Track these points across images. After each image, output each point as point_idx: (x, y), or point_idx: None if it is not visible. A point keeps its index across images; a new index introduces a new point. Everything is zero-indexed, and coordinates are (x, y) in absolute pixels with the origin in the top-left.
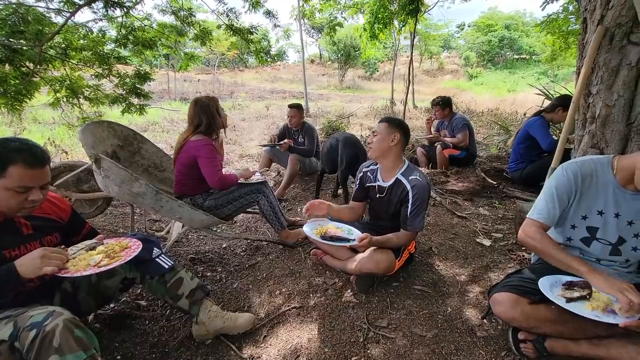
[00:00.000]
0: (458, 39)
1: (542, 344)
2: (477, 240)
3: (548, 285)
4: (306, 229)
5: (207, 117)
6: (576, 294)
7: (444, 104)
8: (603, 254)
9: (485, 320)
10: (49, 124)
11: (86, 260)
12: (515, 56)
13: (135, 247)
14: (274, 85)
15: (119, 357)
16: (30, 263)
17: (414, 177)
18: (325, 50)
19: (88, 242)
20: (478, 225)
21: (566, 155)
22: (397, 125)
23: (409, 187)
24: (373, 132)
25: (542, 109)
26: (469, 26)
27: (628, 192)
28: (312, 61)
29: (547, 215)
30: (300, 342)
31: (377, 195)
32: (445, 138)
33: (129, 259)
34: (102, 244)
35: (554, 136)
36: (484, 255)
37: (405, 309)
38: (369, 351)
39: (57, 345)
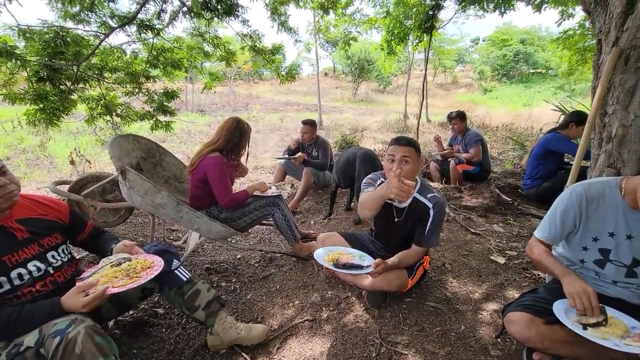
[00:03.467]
0: (472, 53)
1: None
2: (491, 257)
3: (563, 310)
4: (317, 256)
5: (239, 139)
6: (592, 320)
7: (462, 117)
8: (618, 276)
9: (499, 340)
10: (73, 134)
11: (107, 277)
12: (531, 70)
13: (156, 267)
14: (288, 98)
15: None
16: (76, 305)
17: (432, 194)
18: (339, 63)
19: (119, 256)
20: (492, 242)
21: (582, 174)
22: (418, 148)
23: (430, 205)
24: (404, 158)
25: (556, 125)
26: (483, 40)
27: (639, 214)
28: (326, 74)
29: (549, 235)
30: (312, 355)
31: (395, 219)
32: (459, 153)
33: (144, 281)
34: (130, 259)
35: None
36: (498, 273)
37: (418, 326)
38: None
39: (79, 352)
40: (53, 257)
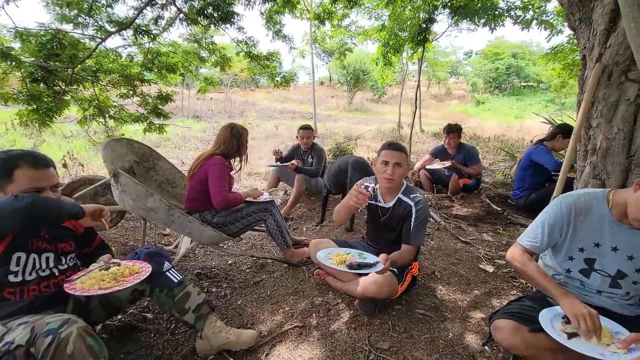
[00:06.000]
0: (465, 65)
1: None
2: (480, 266)
3: (549, 319)
4: (320, 257)
5: (237, 144)
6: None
7: (460, 132)
8: (603, 286)
9: (486, 347)
10: (66, 137)
11: (95, 279)
12: (523, 84)
13: (144, 272)
14: (284, 106)
15: None
16: (92, 205)
17: (415, 194)
18: (335, 73)
19: (107, 260)
20: (481, 251)
21: (568, 185)
22: (407, 153)
23: (412, 204)
24: (397, 164)
25: (543, 137)
26: (476, 54)
27: (625, 227)
28: (322, 83)
29: (535, 243)
30: None
31: (381, 218)
32: (463, 167)
33: (130, 284)
34: (119, 264)
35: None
36: (486, 281)
37: (407, 333)
38: None
39: (70, 352)
40: (63, 259)
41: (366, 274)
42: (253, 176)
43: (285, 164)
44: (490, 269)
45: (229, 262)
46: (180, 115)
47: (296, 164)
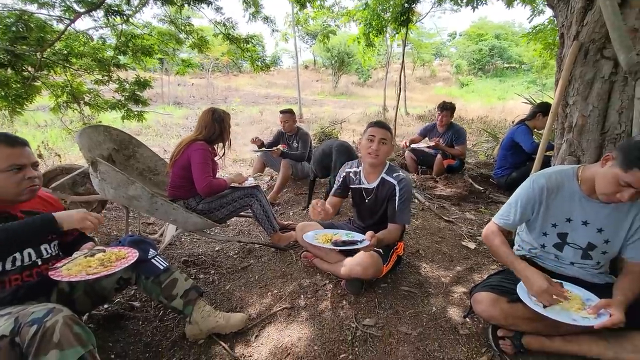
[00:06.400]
0: (449, 47)
1: (519, 340)
2: (463, 243)
3: (525, 291)
4: (308, 238)
5: (220, 128)
6: None
7: (453, 110)
8: (575, 258)
9: (467, 319)
10: (41, 127)
11: (81, 266)
12: (506, 65)
13: (131, 257)
14: (268, 91)
15: (112, 356)
16: (70, 214)
17: (397, 173)
18: (320, 56)
19: (90, 248)
20: (464, 229)
21: (546, 163)
22: (392, 131)
23: (395, 182)
24: (382, 140)
25: (525, 117)
26: (460, 35)
27: (594, 202)
28: (306, 67)
29: (507, 220)
30: (290, 341)
31: (365, 199)
32: (446, 147)
33: (118, 269)
34: (104, 250)
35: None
36: (468, 257)
37: (392, 309)
38: (356, 349)
39: (57, 340)
40: (45, 249)
41: (352, 252)
42: (238, 162)
43: (271, 149)
44: (472, 245)
45: (216, 248)
46: (160, 102)
47: (282, 148)
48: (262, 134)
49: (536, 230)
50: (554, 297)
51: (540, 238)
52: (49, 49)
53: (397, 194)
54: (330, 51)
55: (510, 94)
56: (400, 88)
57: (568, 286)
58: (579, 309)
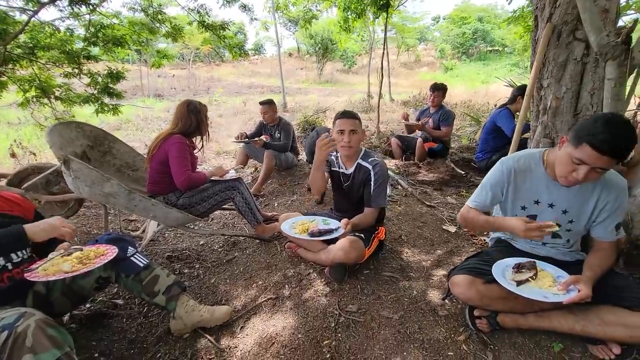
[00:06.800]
0: (433, 31)
1: (494, 319)
2: (444, 227)
3: (500, 272)
4: (285, 229)
5: (196, 120)
6: (524, 277)
7: (444, 91)
8: (546, 238)
9: (446, 301)
10: (14, 125)
11: (58, 265)
12: (489, 48)
13: (110, 253)
14: (252, 80)
15: (96, 354)
16: (42, 227)
17: (372, 159)
18: (303, 43)
19: (67, 248)
20: (445, 213)
21: (523, 146)
22: (360, 119)
23: (370, 167)
24: (352, 131)
25: (507, 100)
26: (443, 19)
27: (559, 185)
28: (290, 55)
29: (479, 202)
30: (275, 331)
31: (344, 185)
32: (429, 128)
33: (96, 266)
34: (82, 249)
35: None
36: (449, 241)
37: (375, 294)
38: (339, 335)
39: (30, 345)
40: (15, 253)
41: (328, 240)
42: (222, 155)
43: (253, 139)
44: (452, 229)
45: (201, 242)
46: (140, 94)
47: (264, 139)
48: (246, 125)
49: (508, 212)
50: (538, 231)
51: None
52: (12, 42)
53: (372, 178)
54: (313, 38)
55: (494, 78)
56: (382, 75)
57: (541, 265)
58: (550, 286)
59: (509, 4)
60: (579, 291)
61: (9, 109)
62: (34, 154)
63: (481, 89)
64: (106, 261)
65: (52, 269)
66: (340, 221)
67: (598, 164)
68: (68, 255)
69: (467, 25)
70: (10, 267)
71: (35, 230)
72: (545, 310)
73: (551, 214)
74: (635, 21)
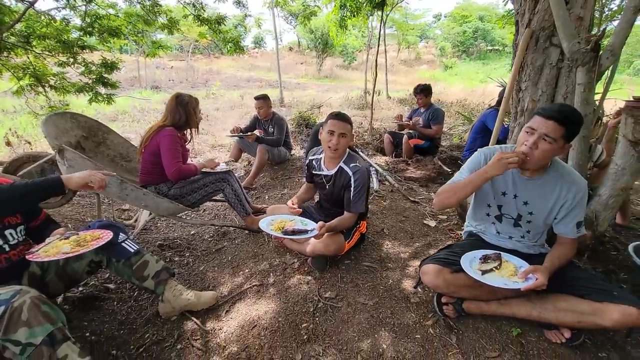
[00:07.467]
0: (434, 29)
1: (460, 305)
2: (425, 222)
3: (468, 262)
4: (262, 225)
5: (185, 113)
6: (489, 266)
7: (427, 92)
8: (510, 229)
9: (418, 289)
10: (9, 113)
11: (57, 247)
12: (489, 47)
13: (105, 237)
14: (251, 74)
15: (87, 334)
16: (77, 175)
17: (354, 164)
18: (303, 38)
19: (64, 233)
20: (427, 208)
21: (502, 143)
22: (352, 123)
23: (350, 173)
24: (342, 134)
25: (496, 102)
26: (445, 16)
27: (523, 178)
28: (291, 49)
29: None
30: (257, 315)
31: (326, 186)
32: (419, 127)
33: (93, 248)
34: (77, 234)
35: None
36: (428, 234)
37: (353, 283)
38: (317, 319)
39: (25, 319)
40: (11, 234)
41: (302, 239)
42: (217, 148)
43: (247, 134)
44: (432, 223)
45: (192, 232)
46: (137, 86)
47: (258, 134)
48: (242, 119)
49: (481, 201)
50: (508, 163)
51: (485, 208)
52: (6, 32)
53: (352, 185)
54: (313, 33)
55: (492, 77)
56: (376, 72)
57: (506, 256)
58: (511, 275)
59: (505, 4)
60: (536, 279)
61: (4, 97)
62: (29, 143)
63: (478, 88)
64: (102, 243)
65: (52, 250)
66: (325, 219)
67: (544, 129)
68: (65, 239)
69: (468, 24)
70: (7, 248)
71: (71, 178)
72: (507, 298)
73: (515, 205)
74: (604, 30)
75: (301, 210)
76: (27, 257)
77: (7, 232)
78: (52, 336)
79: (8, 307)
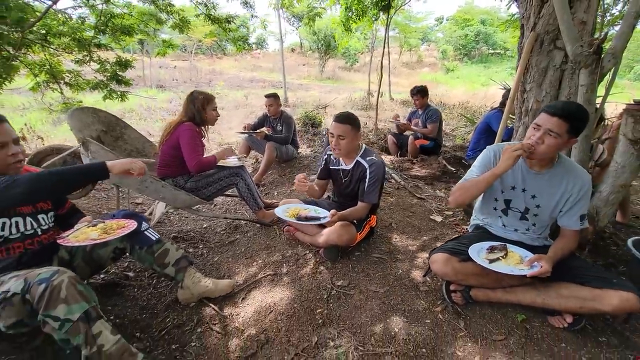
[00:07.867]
0: (437, 32)
1: (468, 293)
2: (431, 217)
3: (476, 252)
4: (278, 212)
5: (195, 109)
6: (496, 256)
7: (423, 93)
8: (516, 222)
9: (427, 278)
10: (19, 110)
11: (86, 234)
12: (491, 51)
13: (130, 226)
14: (254, 74)
15: (112, 317)
16: (120, 161)
17: (370, 157)
18: (306, 39)
19: (90, 221)
20: (434, 205)
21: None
22: (357, 125)
23: (367, 165)
24: (340, 136)
25: (499, 103)
26: (447, 20)
27: (532, 172)
28: (293, 50)
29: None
30: (273, 301)
31: (343, 179)
32: (416, 128)
33: (120, 235)
34: (104, 222)
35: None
36: (435, 229)
37: (364, 272)
38: (331, 305)
39: (64, 296)
40: (43, 219)
41: (323, 225)
42: (224, 146)
43: (256, 131)
44: (439, 219)
45: (204, 225)
46: (142, 85)
47: (266, 132)
48: (247, 118)
49: (489, 196)
50: (515, 152)
51: (492, 203)
52: (28, 29)
53: (368, 176)
54: (316, 34)
55: (492, 81)
56: (382, 74)
57: (511, 247)
58: (517, 263)
59: (508, 8)
60: (541, 267)
61: (12, 95)
62: (42, 138)
63: (480, 91)
64: (127, 232)
65: (81, 236)
66: (340, 208)
67: (549, 125)
68: (93, 226)
69: (469, 27)
70: (39, 232)
71: (114, 164)
72: (512, 286)
73: (523, 198)
74: (606, 34)
75: (309, 185)
76: (58, 241)
77: (39, 217)
78: (87, 313)
79: (49, 285)
